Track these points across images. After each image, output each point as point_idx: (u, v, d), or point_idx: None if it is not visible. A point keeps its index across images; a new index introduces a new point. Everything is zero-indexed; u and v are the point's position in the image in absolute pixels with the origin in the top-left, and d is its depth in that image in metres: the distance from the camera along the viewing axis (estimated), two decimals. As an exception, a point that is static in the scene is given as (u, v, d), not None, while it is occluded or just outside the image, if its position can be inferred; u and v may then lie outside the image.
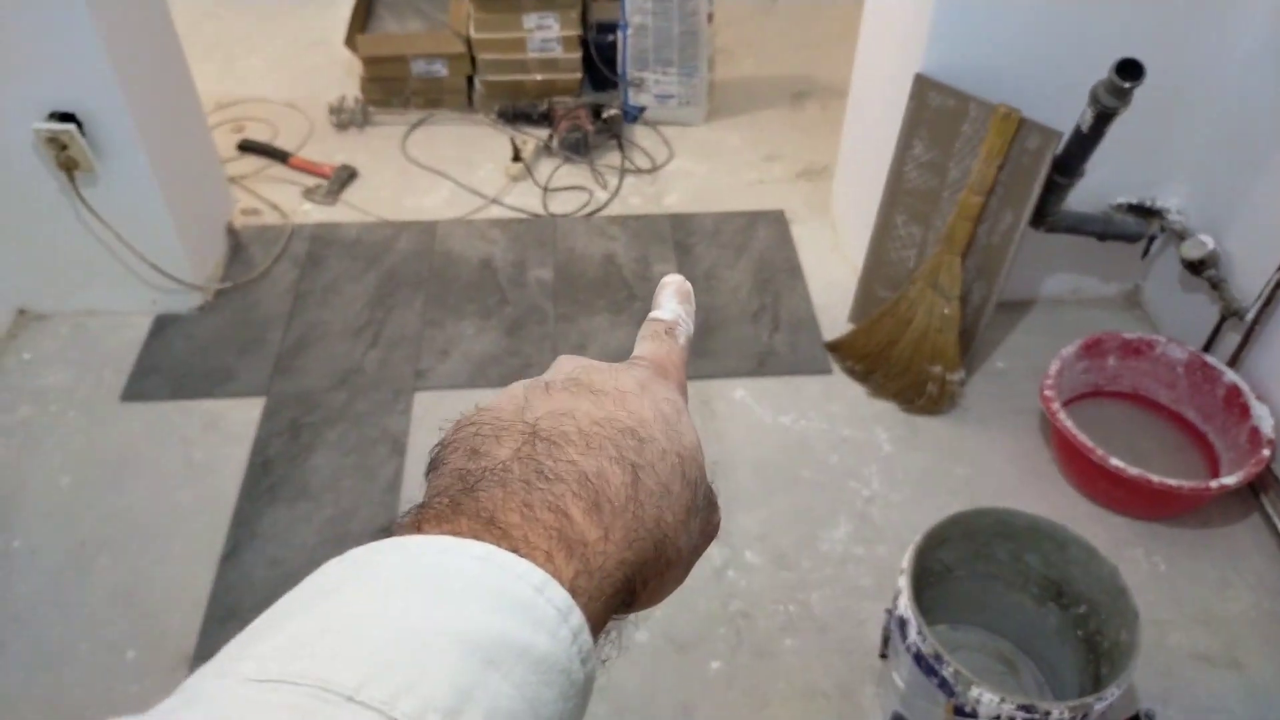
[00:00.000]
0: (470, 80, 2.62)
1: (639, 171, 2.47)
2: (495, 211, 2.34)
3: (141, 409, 1.82)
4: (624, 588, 0.31)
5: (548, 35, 2.53)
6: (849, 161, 2.19)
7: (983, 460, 1.78)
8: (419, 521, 0.30)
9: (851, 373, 1.93)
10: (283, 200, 2.32)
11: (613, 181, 2.43)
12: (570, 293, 2.10)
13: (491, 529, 0.29)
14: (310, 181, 2.39)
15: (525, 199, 2.37)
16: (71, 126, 1.66)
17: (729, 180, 2.46)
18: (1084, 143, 1.54)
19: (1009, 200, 1.67)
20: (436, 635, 0.25)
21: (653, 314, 0.43)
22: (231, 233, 2.16)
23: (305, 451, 1.75)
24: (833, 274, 2.17)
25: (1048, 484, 1.74)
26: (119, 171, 1.75)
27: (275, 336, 1.96)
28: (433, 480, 0.33)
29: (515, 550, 0.28)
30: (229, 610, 1.52)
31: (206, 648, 1.47)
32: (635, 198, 2.39)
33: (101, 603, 1.54)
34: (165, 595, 1.54)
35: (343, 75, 2.75)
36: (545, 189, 2.40)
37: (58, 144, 1.68)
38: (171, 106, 1.89)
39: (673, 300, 0.43)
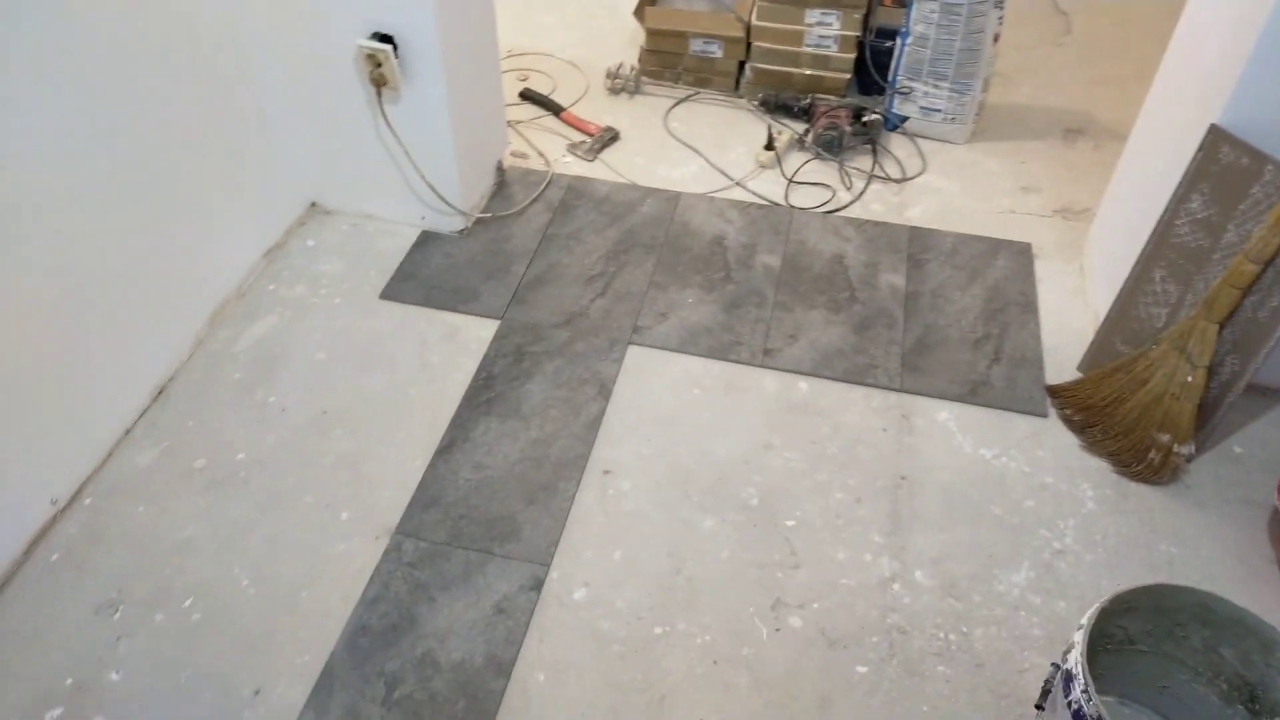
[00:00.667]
0: (741, 65, 2.69)
1: (887, 179, 2.46)
2: (737, 194, 2.40)
3: (395, 308, 2.04)
4: None
5: (826, 32, 2.55)
6: (1115, 205, 2.08)
7: (1194, 543, 1.66)
8: None
9: (1069, 422, 1.85)
10: (549, 149, 2.50)
11: (858, 184, 2.43)
12: (793, 283, 2.13)
13: None
14: (576, 137, 2.55)
15: (769, 186, 2.42)
16: (388, 47, 1.87)
17: (979, 204, 2.39)
18: (1394, 227, 1.40)
19: (1289, 275, 1.54)
20: None
21: None
22: (499, 170, 2.35)
23: (524, 376, 1.90)
24: (1071, 318, 2.07)
25: (1262, 586, 1.60)
26: (419, 94, 1.95)
27: (519, 269, 2.13)
28: None
29: None
30: (433, 498, 1.68)
31: (408, 525, 1.64)
32: (877, 204, 2.38)
33: (330, 465, 1.74)
34: (383, 472, 1.73)
35: (625, 43, 2.90)
36: (790, 180, 2.44)
37: (374, 61, 1.90)
38: (474, 45, 2.08)
39: None
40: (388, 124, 1.99)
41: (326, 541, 1.63)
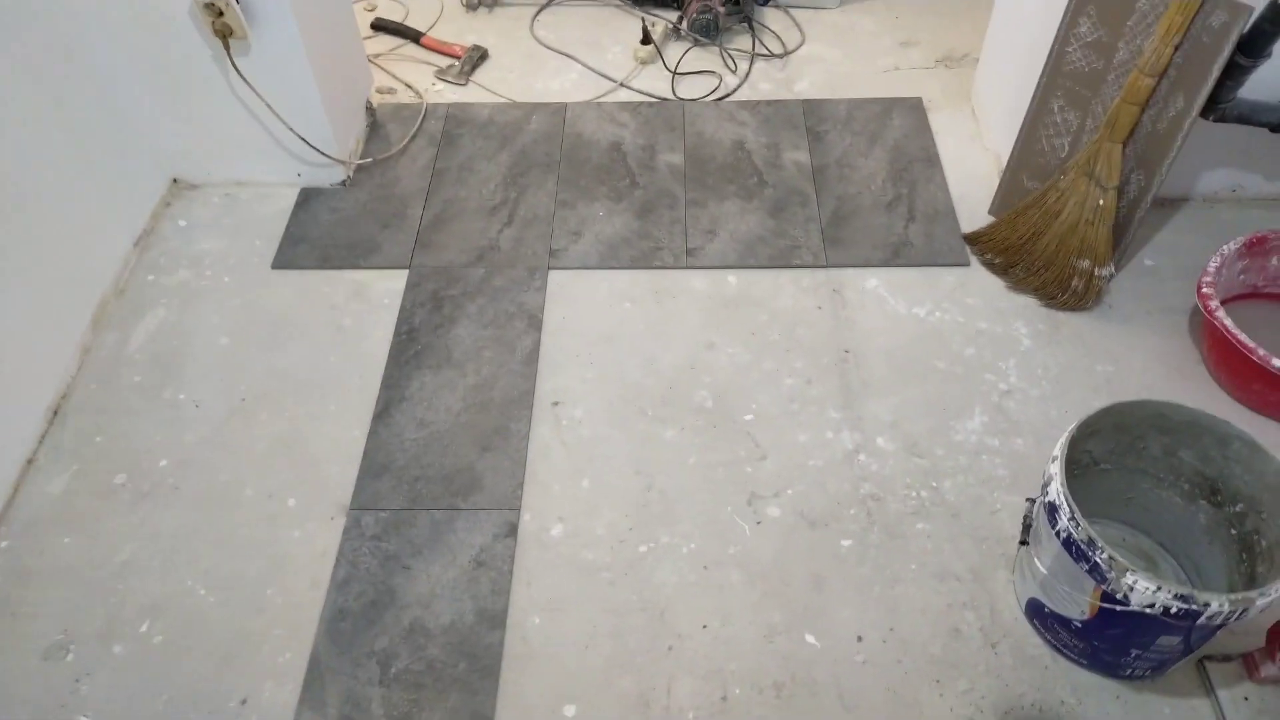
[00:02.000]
0: (599, -41, 2.56)
1: (770, 56, 2.41)
2: (624, 95, 2.31)
3: (292, 276, 1.90)
4: None
5: (680, -89, 2.44)
6: (998, 45, 2.08)
7: (1127, 359, 1.73)
8: None
9: (991, 266, 1.88)
10: (416, 80, 2.34)
11: (743, 66, 2.38)
12: (700, 177, 2.08)
13: None
14: (442, 62, 2.40)
15: (654, 83, 2.34)
16: (227, -6, 1.69)
17: (863, 67, 2.37)
18: (1278, 18, 1.43)
19: (1181, 84, 1.57)
20: None
21: None
22: (370, 110, 2.20)
23: (447, 323, 1.81)
24: (972, 165, 2.09)
25: (1196, 386, 1.68)
26: (271, 40, 1.79)
27: (415, 213, 2.01)
28: None
29: None
30: (382, 465, 1.60)
31: (361, 498, 1.56)
32: (765, 83, 2.33)
33: (264, 453, 1.64)
34: (322, 449, 1.64)
35: (470, -46, 2.72)
36: (674, 73, 2.36)
37: (214, 10, 1.72)
38: (317, -22, 1.91)
39: None
40: (241, 77, 1.82)
41: (279, 531, 1.54)
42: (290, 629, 1.43)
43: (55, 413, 1.69)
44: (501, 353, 1.76)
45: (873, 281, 1.87)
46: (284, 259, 1.93)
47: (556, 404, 1.69)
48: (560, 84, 2.35)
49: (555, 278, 1.89)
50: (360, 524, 1.54)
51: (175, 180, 2.08)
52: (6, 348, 1.59)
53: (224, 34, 1.75)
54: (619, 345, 1.78)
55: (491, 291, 1.86)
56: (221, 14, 1.72)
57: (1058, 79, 1.74)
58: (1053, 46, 1.71)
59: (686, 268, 1.91)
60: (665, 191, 2.05)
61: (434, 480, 1.59)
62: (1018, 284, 1.84)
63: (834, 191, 2.04)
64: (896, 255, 1.90)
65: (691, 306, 1.84)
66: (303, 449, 1.64)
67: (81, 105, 1.78)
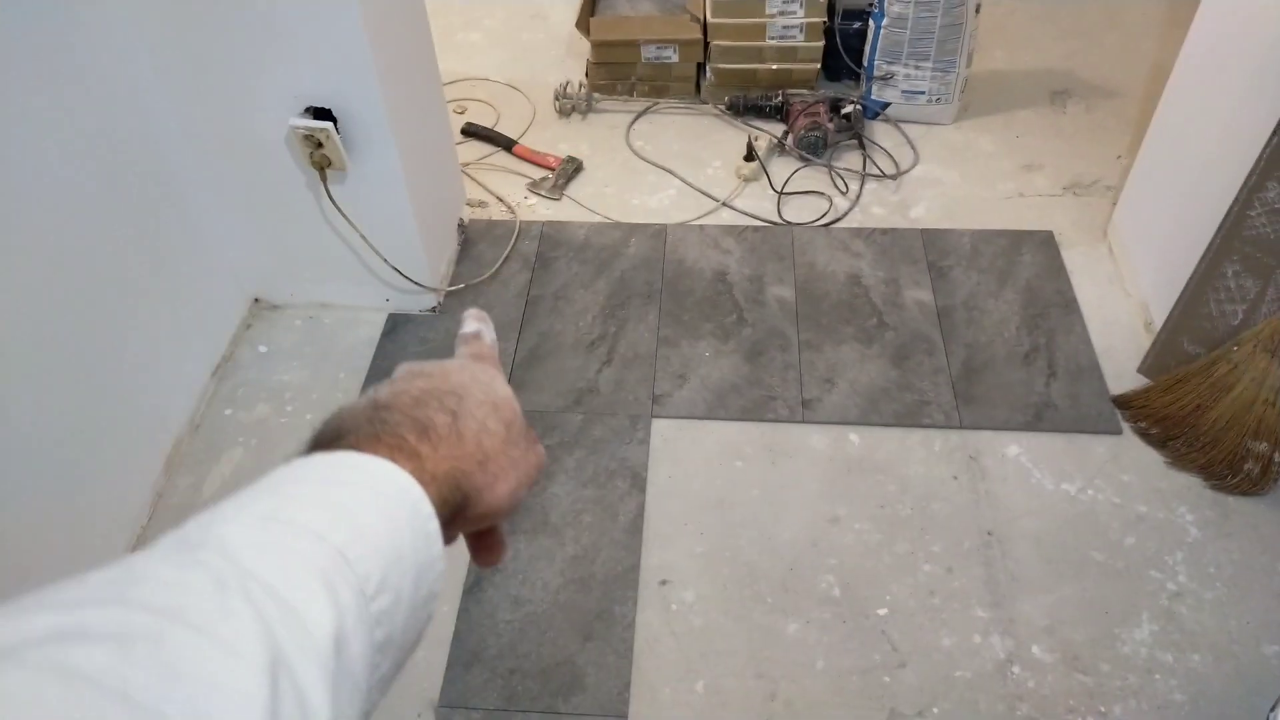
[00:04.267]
0: (700, 68, 2.45)
1: (882, 177, 2.26)
2: (726, 216, 2.17)
3: (377, 417, 1.77)
4: (456, 488, 0.44)
5: (790, 21, 2.32)
6: (1147, 182, 1.91)
7: (1313, 559, 1.52)
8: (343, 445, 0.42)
9: (1146, 436, 1.69)
10: (508, 192, 2.23)
11: (853, 187, 2.23)
12: (813, 315, 1.92)
13: (376, 446, 0.42)
14: (535, 173, 2.28)
15: (758, 203, 2.20)
16: (328, 125, 1.58)
17: (983, 191, 2.21)
18: None
19: (1391, 261, 1.39)
20: (371, 521, 0.38)
21: (462, 331, 0.56)
22: (461, 229, 2.08)
23: (544, 479, 1.66)
24: (1115, 312, 1.91)
25: (1397, 597, 1.47)
26: (369, 169, 1.68)
27: (508, 347, 1.87)
28: (317, 439, 0.44)
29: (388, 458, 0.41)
30: (472, 653, 1.44)
31: (451, 694, 1.40)
32: (878, 207, 2.18)
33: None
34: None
35: (563, 54, 2.62)
36: (780, 193, 2.22)
37: (313, 141, 1.61)
38: (420, 95, 1.80)
39: (472, 320, 0.57)
40: (335, 206, 1.70)
41: None
42: None
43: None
44: (603, 517, 1.60)
45: (1014, 449, 1.69)
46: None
47: (664, 583, 1.53)
48: (659, 201, 2.22)
49: (659, 428, 1.74)
50: None
51: (257, 300, 1.97)
52: (74, 497, 1.46)
53: (321, 165, 1.64)
54: (731, 513, 1.61)
55: (591, 442, 1.71)
56: (321, 146, 1.61)
57: (1235, 242, 1.56)
58: (1231, 207, 1.54)
59: (803, 422, 1.74)
60: (776, 331, 1.90)
61: (531, 674, 1.42)
62: (1178, 460, 1.65)
63: (963, 338, 1.87)
64: (1039, 418, 1.72)
65: (810, 469, 1.67)
66: (386, 626, 1.48)
67: (163, 224, 1.67)
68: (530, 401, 1.78)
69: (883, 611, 1.48)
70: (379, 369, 1.84)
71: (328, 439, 0.43)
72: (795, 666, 1.42)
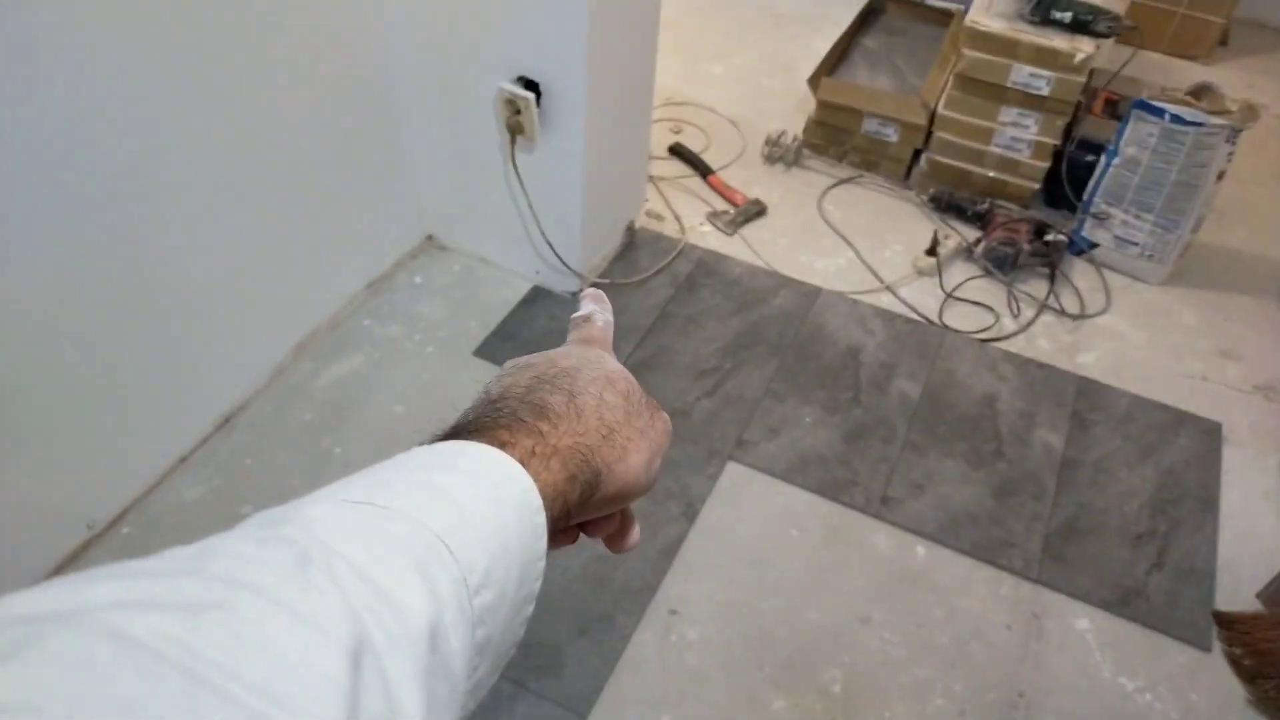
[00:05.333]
0: (916, 154, 2.42)
1: (1062, 313, 2.15)
2: (885, 300, 2.14)
3: (486, 370, 1.88)
4: (585, 463, 0.42)
5: (1020, 134, 2.26)
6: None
7: None
8: (464, 434, 0.40)
9: (1236, 664, 1.52)
10: (687, 214, 2.30)
11: (1027, 313, 2.14)
12: (931, 421, 1.86)
13: (486, 438, 0.40)
14: (719, 204, 2.35)
15: (922, 298, 2.15)
16: (531, 96, 1.71)
17: (1166, 362, 2.06)
18: None
19: None
20: (477, 508, 0.36)
21: (575, 315, 0.55)
22: (630, 231, 2.17)
23: (605, 477, 1.70)
24: (1258, 528, 1.73)
25: None
26: (554, 147, 1.79)
27: (626, 348, 1.94)
28: (432, 437, 0.42)
29: (502, 444, 0.40)
30: (475, 604, 1.50)
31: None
32: (1046, 341, 2.08)
33: (379, 539, 1.59)
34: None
35: (792, 108, 2.68)
36: (948, 295, 2.16)
37: (513, 107, 1.75)
38: (625, 98, 1.91)
39: (589, 302, 0.56)
40: (516, 172, 1.83)
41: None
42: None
43: (226, 421, 1.74)
44: (643, 533, 1.62)
45: (1084, 622, 1.56)
46: (488, 349, 1.92)
47: (674, 613, 1.53)
48: (825, 265, 2.22)
49: (732, 471, 1.74)
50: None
51: (429, 237, 2.14)
52: (208, 344, 1.65)
53: (515, 130, 1.77)
54: (766, 575, 1.59)
55: (662, 460, 1.73)
56: (519, 112, 1.74)
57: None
58: None
59: (875, 517, 1.69)
60: (886, 421, 1.85)
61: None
62: (1263, 702, 1.47)
63: (1078, 496, 1.75)
64: (1124, 603, 1.58)
65: (863, 564, 1.62)
66: (414, 552, 1.58)
67: (368, 147, 1.86)
68: (624, 404, 1.83)
69: (875, 726, 1.41)
70: (506, 329, 1.96)
71: (441, 432, 0.42)
72: (764, 741, 1.39)
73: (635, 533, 0.50)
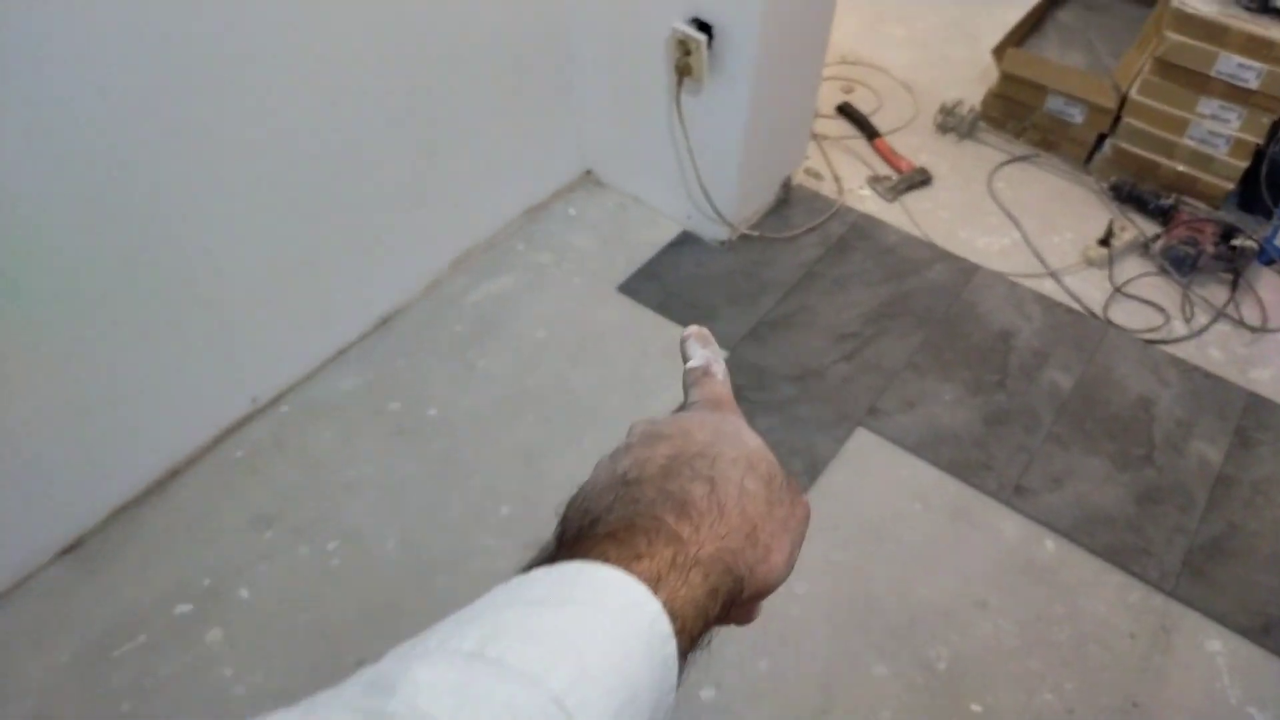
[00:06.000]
0: (1101, 139, 2.29)
1: (1239, 323, 2.00)
2: (1048, 286, 2.04)
3: (628, 305, 1.91)
4: (727, 572, 0.38)
5: (1219, 129, 2.10)
6: None
7: None
8: (580, 548, 0.37)
9: (1390, 718, 1.40)
10: (847, 176, 2.25)
11: (1200, 319, 2.00)
12: (1079, 416, 1.77)
13: (621, 547, 0.36)
14: (882, 169, 2.29)
15: (1088, 289, 2.04)
16: (703, 37, 1.71)
17: (1354, 389, 1.89)
18: None
19: None
20: (599, 654, 0.32)
21: (688, 365, 0.50)
22: (785, 187, 2.15)
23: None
24: None
25: None
26: (721, 93, 1.78)
27: (768, 301, 1.93)
28: (566, 525, 0.40)
29: (638, 555, 0.36)
30: (592, 526, 1.55)
31: (558, 547, 1.52)
32: (1217, 350, 1.94)
33: (509, 451, 1.66)
34: (556, 476, 1.62)
35: (973, 79, 2.57)
36: (1117, 289, 2.04)
37: (683, 48, 1.74)
38: (798, 51, 1.87)
39: (697, 348, 0.51)
40: (679, 114, 1.84)
41: (478, 532, 1.55)
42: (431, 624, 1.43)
43: (384, 322, 1.84)
44: (764, 483, 1.63)
45: (1216, 644, 1.47)
46: (632, 286, 1.95)
47: (786, 566, 1.53)
48: (987, 244, 2.13)
49: (861, 437, 1.72)
50: (543, 569, 1.50)
51: (588, 172, 2.18)
52: (376, 249, 1.74)
53: (683, 71, 1.77)
54: (883, 545, 1.57)
55: (792, 416, 1.73)
56: (689, 53, 1.74)
57: None
58: None
59: (1006, 504, 1.63)
60: (1030, 410, 1.78)
61: (628, 570, 1.50)
62: None
63: (1229, 514, 1.64)
64: (1265, 631, 1.48)
65: (985, 549, 1.57)
66: (541, 465, 1.64)
67: (538, 79, 1.90)
68: (755, 356, 1.83)
69: (977, 708, 1.38)
70: (651, 269, 1.98)
71: (575, 521, 0.40)
72: (860, 703, 1.38)
73: (759, 609, 0.45)
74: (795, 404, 1.75)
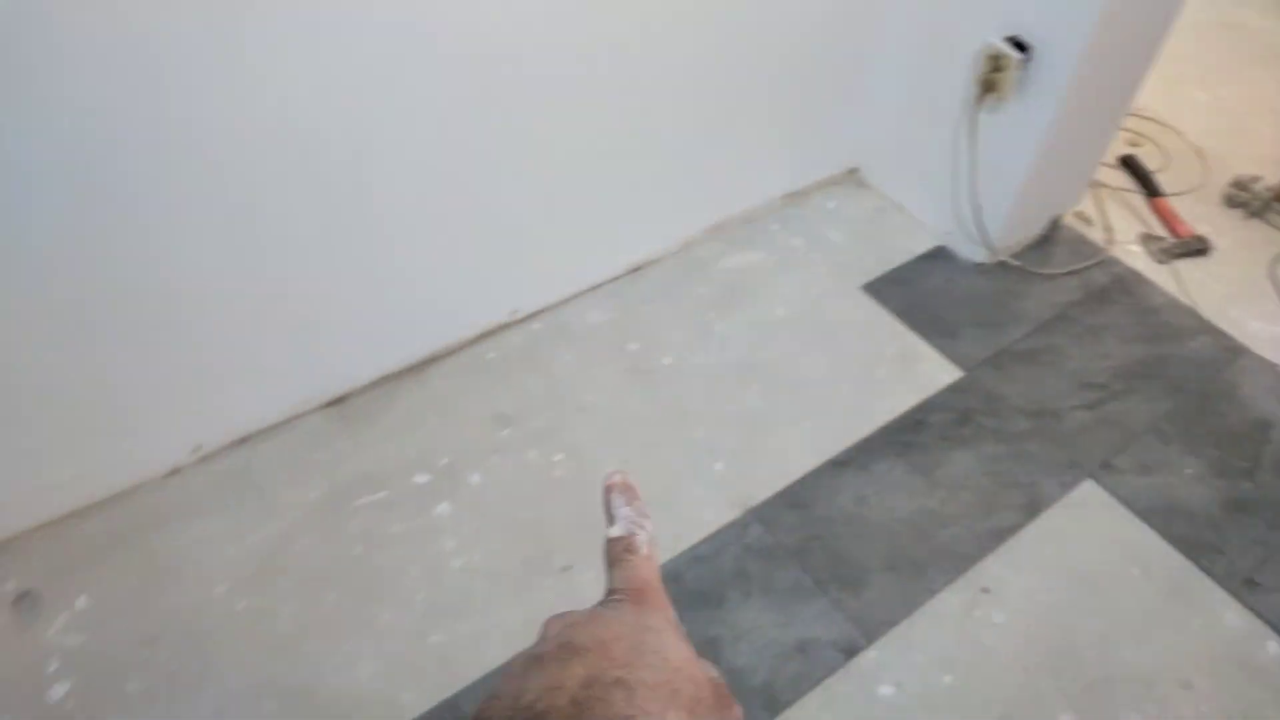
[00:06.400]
0: None
1: None
2: (1320, 386, 1.90)
3: (869, 305, 1.92)
4: None
5: None
6: None
7: None
8: None
9: None
10: (1119, 228, 2.17)
11: None
12: (1333, 526, 1.65)
13: None
14: (1157, 229, 2.18)
15: (1367, 399, 1.88)
16: (1019, 56, 1.69)
17: None
18: None
19: None
20: None
21: (610, 534, 0.44)
22: (1053, 224, 2.09)
23: (957, 442, 1.69)
24: None
25: None
26: (1021, 116, 1.76)
27: (1014, 333, 1.89)
28: None
29: None
30: (802, 501, 1.58)
31: (765, 511, 1.56)
32: None
33: (731, 416, 1.71)
34: (771, 448, 1.66)
35: (1274, 158, 2.40)
36: (1401, 407, 1.87)
37: (993, 64, 1.73)
38: (1110, 86, 1.82)
39: (621, 505, 0.45)
40: (971, 129, 1.83)
41: (690, 480, 1.61)
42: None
43: (636, 269, 1.94)
44: (978, 507, 1.61)
45: None
46: (877, 288, 1.96)
47: (985, 590, 1.51)
48: (1260, 329, 2.00)
49: (1088, 489, 1.66)
50: (747, 529, 1.55)
51: (852, 170, 2.20)
52: (651, 199, 1.84)
53: (986, 87, 1.76)
54: (1093, 599, 1.51)
55: (1020, 451, 1.70)
56: (999, 70, 1.73)
57: None
58: None
59: (1233, 594, 1.54)
60: (1278, 507, 1.67)
61: (829, 551, 1.53)
62: None
63: None
64: None
65: (1202, 633, 1.49)
66: (760, 436, 1.68)
67: (828, 67, 1.93)
68: (992, 382, 1.80)
69: (1164, 786, 1.32)
70: (900, 275, 1.98)
71: None
72: (1040, 744, 1.35)
73: None
74: (1026, 439, 1.72)
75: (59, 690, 1.33)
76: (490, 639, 1.41)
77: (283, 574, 1.46)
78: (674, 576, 1.48)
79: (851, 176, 2.20)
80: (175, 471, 1.57)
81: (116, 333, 1.35)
